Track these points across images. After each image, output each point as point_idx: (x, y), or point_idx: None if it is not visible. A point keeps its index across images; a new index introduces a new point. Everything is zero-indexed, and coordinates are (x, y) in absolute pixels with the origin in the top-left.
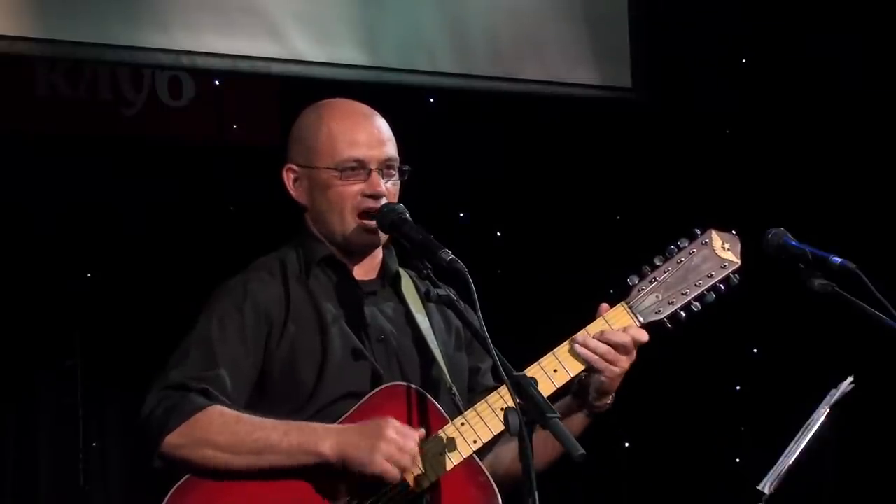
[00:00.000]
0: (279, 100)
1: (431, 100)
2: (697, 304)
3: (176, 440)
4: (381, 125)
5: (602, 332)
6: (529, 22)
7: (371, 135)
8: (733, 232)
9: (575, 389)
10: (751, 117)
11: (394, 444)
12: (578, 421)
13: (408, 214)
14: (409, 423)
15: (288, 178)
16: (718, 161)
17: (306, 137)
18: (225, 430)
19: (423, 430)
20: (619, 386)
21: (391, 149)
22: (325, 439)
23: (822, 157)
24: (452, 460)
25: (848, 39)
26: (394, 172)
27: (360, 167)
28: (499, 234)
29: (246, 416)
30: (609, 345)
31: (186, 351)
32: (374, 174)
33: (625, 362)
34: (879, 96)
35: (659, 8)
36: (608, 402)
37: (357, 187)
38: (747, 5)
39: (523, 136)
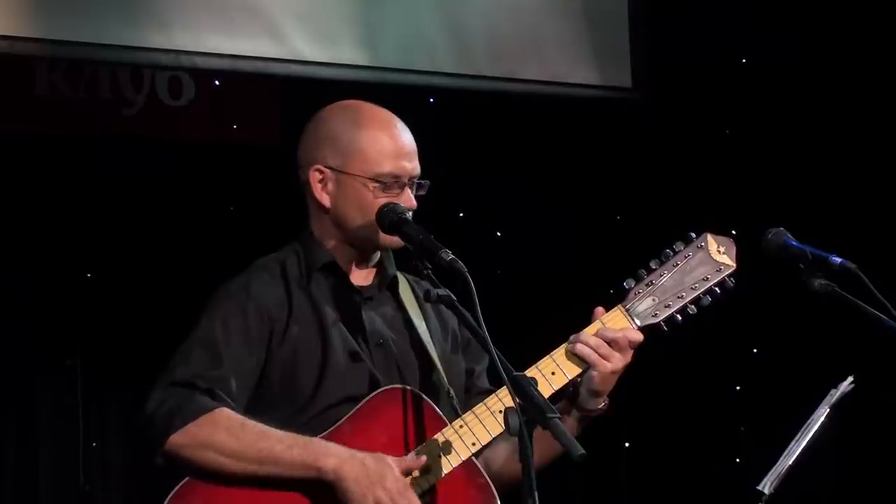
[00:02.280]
0: (279, 100)
1: (431, 100)
2: (693, 307)
3: (180, 440)
4: (411, 137)
5: (597, 331)
6: (529, 22)
7: (408, 148)
8: (733, 232)
9: (569, 393)
10: (751, 117)
11: (389, 495)
12: (569, 425)
13: (407, 214)
14: (408, 425)
15: (314, 178)
16: (718, 161)
17: (342, 141)
18: (230, 436)
19: (423, 459)
20: (613, 390)
21: (417, 162)
22: (328, 458)
23: (822, 157)
24: (451, 462)
25: (848, 39)
26: (415, 184)
27: (395, 181)
28: (499, 234)
29: (251, 424)
30: (603, 340)
31: (190, 350)
32: (408, 189)
33: (618, 360)
34: (879, 96)
35: (659, 8)
36: (600, 406)
37: (390, 200)
38: (747, 5)
39: (523, 136)
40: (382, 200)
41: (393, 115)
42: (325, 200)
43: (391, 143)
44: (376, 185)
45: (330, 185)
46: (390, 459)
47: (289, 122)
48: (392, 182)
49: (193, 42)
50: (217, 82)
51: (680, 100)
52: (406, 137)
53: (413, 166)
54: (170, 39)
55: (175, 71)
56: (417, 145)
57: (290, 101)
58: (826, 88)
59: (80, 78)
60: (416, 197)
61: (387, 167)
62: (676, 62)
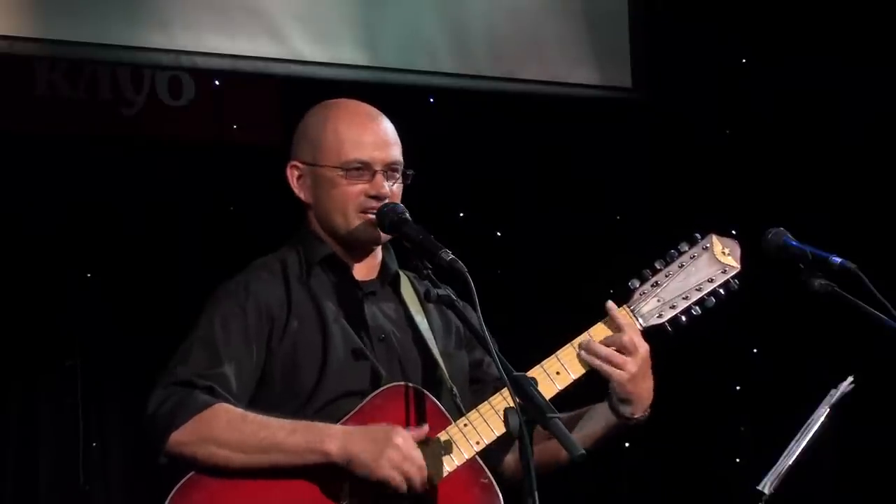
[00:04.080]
0: (279, 100)
1: (431, 100)
2: (698, 308)
3: (182, 437)
4: (388, 127)
5: (605, 338)
6: (529, 22)
7: (377, 137)
8: (734, 234)
9: (608, 399)
10: (751, 117)
11: (400, 453)
12: (599, 428)
13: (408, 214)
14: (409, 423)
15: (292, 174)
16: (718, 161)
17: (312, 136)
18: (231, 428)
19: (426, 427)
20: (649, 395)
21: (396, 151)
22: (332, 439)
23: (822, 158)
24: (455, 461)
25: (848, 39)
26: (397, 175)
27: (364, 168)
28: (499, 234)
29: (252, 415)
30: (613, 347)
31: (190, 349)
32: (378, 175)
33: (631, 364)
34: (879, 96)
35: (659, 8)
36: (634, 412)
37: (361, 187)
38: (747, 5)
39: (523, 136)
40: (352, 189)
41: (371, 108)
42: (304, 195)
43: (358, 132)
44: (343, 173)
45: (306, 180)
46: (388, 425)
47: (289, 123)
48: (360, 168)
49: (193, 42)
50: (217, 82)
51: (680, 100)
52: (378, 127)
53: (385, 155)
54: (170, 39)
55: (175, 71)
56: (418, 145)
57: (290, 101)
58: (826, 88)
59: (80, 78)
60: (405, 187)
61: (352, 154)
62: (676, 62)
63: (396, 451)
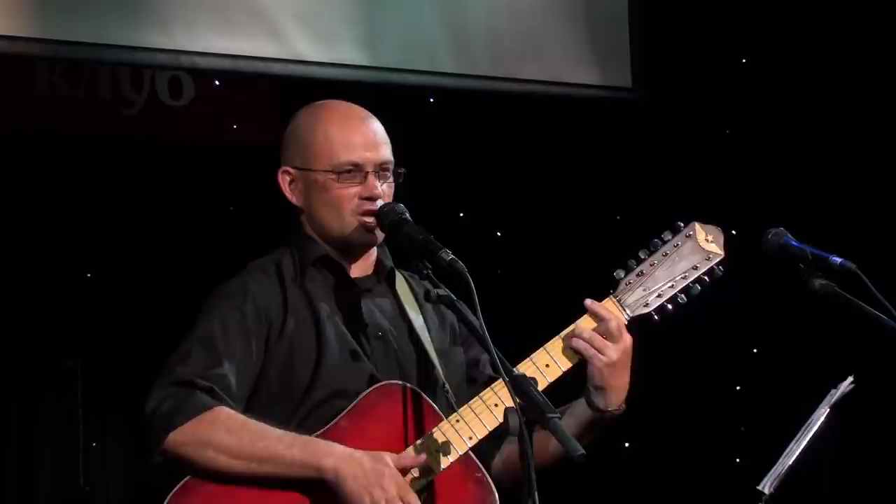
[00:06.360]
0: (279, 100)
1: (431, 100)
2: (683, 296)
3: (180, 438)
4: (377, 127)
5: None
6: (530, 22)
7: (367, 137)
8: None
9: (584, 393)
10: (751, 117)
11: (385, 495)
12: (577, 424)
13: (408, 214)
14: (405, 421)
15: (283, 180)
16: (718, 161)
17: (302, 140)
18: (230, 434)
19: (422, 458)
20: (624, 388)
21: (387, 151)
22: (327, 457)
23: (821, 157)
24: (449, 457)
25: (848, 39)
26: (389, 175)
27: (356, 170)
28: (499, 234)
29: (251, 423)
30: (598, 332)
31: (189, 349)
32: (371, 177)
33: (612, 350)
34: (880, 96)
35: (659, 8)
36: (608, 404)
37: (354, 190)
38: (747, 5)
39: (523, 136)
40: (346, 191)
41: (359, 108)
42: (297, 200)
43: (347, 134)
44: (335, 175)
45: (298, 185)
46: (388, 458)
47: (288, 123)
48: (352, 170)
49: (193, 42)
50: (217, 82)
51: (680, 100)
52: (366, 127)
53: (376, 155)
54: (170, 39)
55: (175, 71)
56: (418, 144)
57: (290, 101)
58: (826, 88)
59: (80, 78)
60: (397, 186)
61: (343, 157)
62: (676, 62)
63: (382, 493)
